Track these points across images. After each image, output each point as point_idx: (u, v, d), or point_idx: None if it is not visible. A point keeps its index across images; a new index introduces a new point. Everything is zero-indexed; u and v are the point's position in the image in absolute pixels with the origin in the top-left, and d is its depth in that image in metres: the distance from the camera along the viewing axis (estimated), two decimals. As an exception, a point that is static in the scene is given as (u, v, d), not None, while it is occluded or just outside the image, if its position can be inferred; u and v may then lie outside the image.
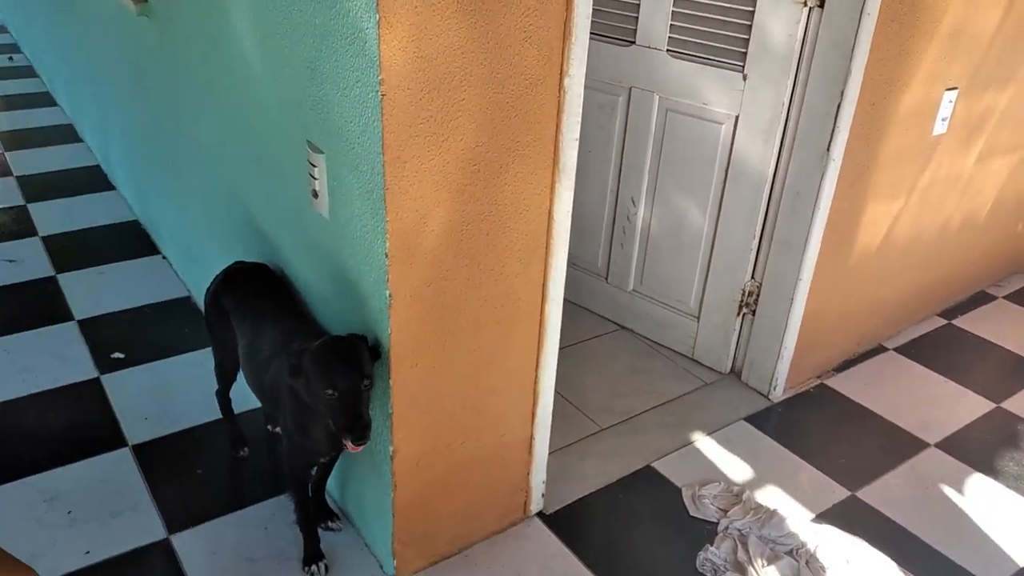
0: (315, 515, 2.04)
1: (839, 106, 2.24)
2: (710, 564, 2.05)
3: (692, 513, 2.21)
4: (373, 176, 1.46)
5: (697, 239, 2.67)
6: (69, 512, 2.10)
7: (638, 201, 2.78)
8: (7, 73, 5.83)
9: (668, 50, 2.53)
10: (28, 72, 5.81)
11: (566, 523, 2.14)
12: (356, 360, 1.60)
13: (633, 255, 2.86)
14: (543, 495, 2.16)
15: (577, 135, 1.65)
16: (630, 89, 2.67)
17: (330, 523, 2.07)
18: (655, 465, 2.37)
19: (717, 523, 2.17)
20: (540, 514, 2.17)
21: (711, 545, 2.10)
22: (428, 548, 1.97)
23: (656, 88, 2.60)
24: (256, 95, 1.91)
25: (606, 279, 2.99)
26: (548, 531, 2.12)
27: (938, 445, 2.53)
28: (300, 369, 1.64)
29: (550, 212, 1.72)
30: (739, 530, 2.14)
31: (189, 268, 3.07)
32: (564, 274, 1.83)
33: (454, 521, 1.99)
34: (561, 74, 1.58)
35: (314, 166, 1.65)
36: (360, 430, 1.56)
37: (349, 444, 1.58)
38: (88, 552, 1.98)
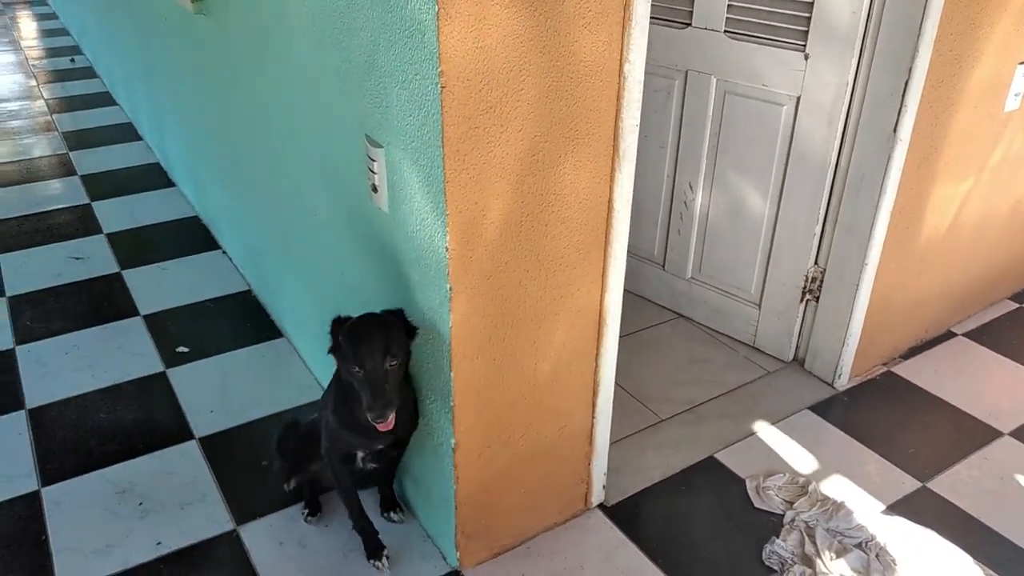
0: (383, 505, 2.08)
1: (906, 84, 2.17)
2: (777, 557, 2.01)
3: (756, 505, 2.17)
4: (433, 169, 1.46)
5: (757, 224, 2.61)
6: (140, 504, 2.15)
7: (695, 186, 2.72)
8: (69, 74, 6.00)
9: (726, 31, 2.47)
10: (89, 73, 5.96)
11: (628, 515, 2.12)
12: (382, 338, 1.62)
13: (691, 241, 2.82)
14: (604, 487, 2.14)
15: (637, 121, 1.62)
16: (686, 72, 2.62)
17: (392, 514, 2.08)
18: (718, 456, 2.33)
19: (782, 515, 2.13)
20: (601, 506, 2.15)
21: (777, 537, 2.06)
22: (491, 540, 1.97)
23: (713, 70, 2.54)
24: (314, 90, 1.92)
25: (663, 266, 2.95)
26: (610, 523, 2.10)
27: (1012, 434, 2.44)
28: (338, 345, 1.68)
29: (610, 201, 1.69)
30: (806, 522, 2.10)
31: (249, 263, 3.12)
32: (624, 263, 1.80)
33: (516, 513, 1.98)
34: (621, 60, 1.55)
35: (373, 160, 1.65)
36: (379, 408, 1.59)
37: (376, 424, 1.61)
38: (159, 543, 2.03)
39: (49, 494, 2.19)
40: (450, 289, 1.56)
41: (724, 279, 2.79)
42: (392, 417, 1.62)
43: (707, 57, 2.54)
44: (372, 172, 1.68)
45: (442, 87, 1.35)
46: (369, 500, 2.07)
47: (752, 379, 2.66)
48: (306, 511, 2.10)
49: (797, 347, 2.70)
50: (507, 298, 1.65)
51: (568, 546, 2.03)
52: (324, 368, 2.52)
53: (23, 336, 2.87)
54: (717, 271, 2.79)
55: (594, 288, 1.79)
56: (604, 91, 1.56)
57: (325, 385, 2.54)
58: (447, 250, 1.51)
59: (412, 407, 1.88)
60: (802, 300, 2.60)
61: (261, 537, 2.05)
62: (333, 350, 1.70)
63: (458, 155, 1.42)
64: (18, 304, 3.06)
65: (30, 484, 2.22)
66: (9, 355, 2.76)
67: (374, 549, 1.97)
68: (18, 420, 2.46)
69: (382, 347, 1.61)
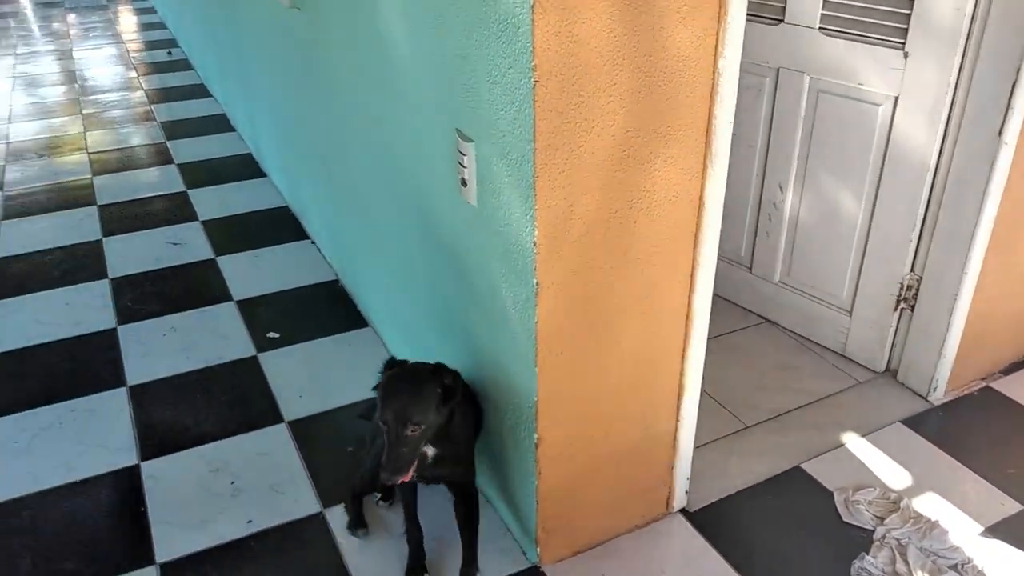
0: (463, 562, 1.95)
1: (1014, 85, 2.05)
2: (866, 573, 1.94)
3: (845, 519, 2.10)
4: (523, 164, 1.46)
5: (851, 228, 2.52)
6: (232, 482, 2.23)
7: (785, 188, 2.65)
8: (166, 67, 6.26)
9: (820, 28, 2.40)
10: (185, 65, 6.21)
11: (710, 521, 2.08)
12: (409, 403, 1.67)
13: (780, 244, 2.74)
14: (687, 492, 2.11)
15: (731, 118, 1.59)
16: (778, 70, 2.55)
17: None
18: (804, 466, 2.26)
19: (872, 531, 2.05)
20: (683, 511, 2.12)
21: (867, 554, 1.99)
22: (571, 538, 1.97)
23: (806, 68, 2.47)
24: (405, 84, 1.95)
25: (750, 269, 2.88)
26: (692, 528, 2.07)
27: (1125, 457, 2.30)
28: (377, 387, 1.76)
29: (700, 199, 1.66)
30: (897, 539, 2.02)
31: (337, 253, 3.19)
32: (714, 264, 1.77)
33: (597, 512, 1.97)
34: (715, 55, 1.52)
35: (463, 154, 1.67)
36: (389, 470, 1.64)
37: (387, 481, 1.67)
38: (250, 521, 2.11)
39: (147, 468, 2.29)
40: (537, 284, 1.56)
41: (814, 284, 2.71)
42: (406, 475, 1.67)
43: (800, 54, 2.47)
44: (462, 166, 1.70)
45: (535, 81, 1.35)
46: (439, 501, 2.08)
47: (841, 389, 2.58)
48: (379, 496, 2.14)
49: (890, 357, 2.60)
50: (593, 295, 1.64)
51: (649, 549, 2.01)
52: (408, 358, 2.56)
53: (124, 316, 3.01)
54: (807, 275, 2.72)
55: (682, 288, 1.76)
56: (698, 87, 1.53)
57: (408, 375, 2.58)
58: (535, 245, 1.52)
59: (463, 454, 1.91)
60: (896, 308, 2.50)
61: (346, 521, 2.10)
62: (375, 387, 1.77)
63: (549, 150, 1.42)
64: (120, 286, 3.22)
65: (130, 458, 2.33)
66: (112, 334, 2.90)
67: (412, 568, 1.92)
68: (120, 396, 2.58)
69: (406, 413, 1.65)
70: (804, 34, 2.44)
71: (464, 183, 1.71)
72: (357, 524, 2.05)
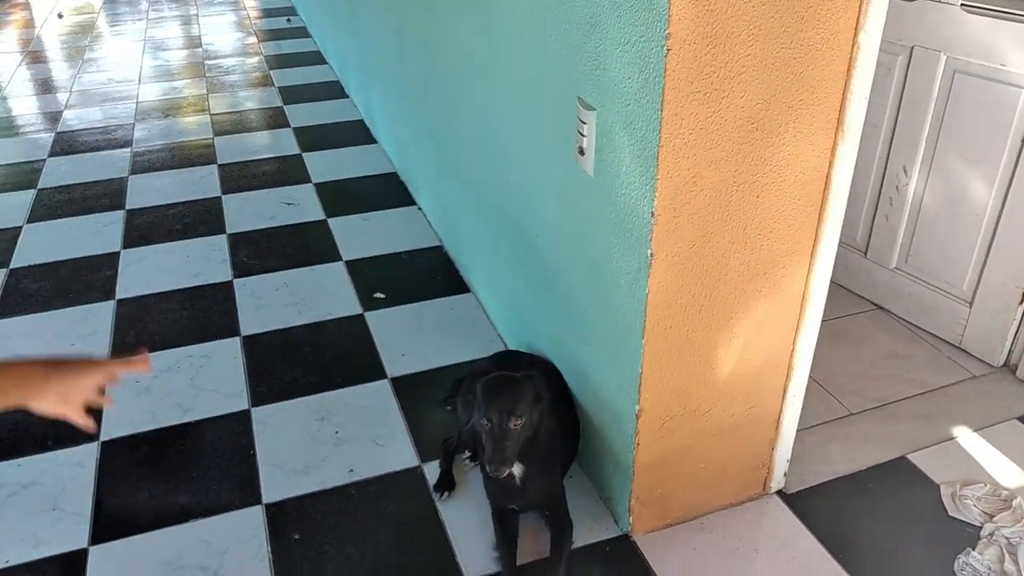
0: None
1: None
2: (971, 569, 1.88)
3: (951, 513, 2.03)
4: (648, 133, 1.45)
5: (979, 216, 2.40)
6: (336, 432, 2.32)
7: (910, 171, 2.55)
8: (285, 34, 6.44)
9: (962, 4, 2.27)
10: (302, 33, 6.38)
11: (808, 505, 2.05)
12: (512, 397, 1.79)
13: (899, 229, 2.64)
14: (785, 473, 2.08)
15: (867, 94, 1.54)
16: (911, 48, 2.44)
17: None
18: (911, 457, 2.20)
19: (980, 527, 1.98)
20: (780, 492, 2.09)
21: (973, 550, 1.92)
22: (664, 510, 1.97)
23: (943, 47, 2.35)
24: (526, 51, 1.95)
25: (865, 254, 2.79)
26: (788, 510, 2.04)
27: None
28: (472, 393, 1.85)
29: (828, 176, 1.62)
30: (1007, 538, 1.94)
31: (442, 219, 3.25)
32: (835, 245, 1.73)
33: (692, 487, 1.97)
34: (856, 28, 1.47)
35: (583, 123, 1.67)
36: (496, 462, 1.73)
37: (489, 471, 1.75)
38: (351, 470, 2.19)
39: (257, 414, 2.40)
40: (651, 255, 1.56)
41: (933, 272, 2.60)
42: (509, 471, 1.75)
43: (937, 32, 2.36)
44: (581, 135, 1.70)
45: (668, 49, 1.34)
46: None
47: (955, 381, 2.48)
48: (467, 454, 2.19)
49: (1010, 352, 2.48)
50: (708, 269, 1.63)
51: (742, 527, 2.00)
52: (507, 326, 2.60)
53: (240, 271, 3.15)
54: (926, 263, 2.61)
55: (800, 268, 1.72)
56: (834, 61, 1.49)
57: (508, 342, 2.62)
58: (652, 215, 1.51)
59: (552, 477, 1.94)
60: (1022, 302, 2.38)
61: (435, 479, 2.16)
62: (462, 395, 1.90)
63: (676, 119, 1.41)
64: (236, 241, 3.36)
65: (242, 403, 2.45)
66: (228, 286, 3.05)
67: None
68: (234, 345, 2.71)
69: (509, 407, 1.77)
70: (944, 11, 2.32)
71: (582, 152, 1.72)
72: (443, 484, 2.11)
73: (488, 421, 1.77)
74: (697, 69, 1.38)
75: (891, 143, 2.58)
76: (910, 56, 2.45)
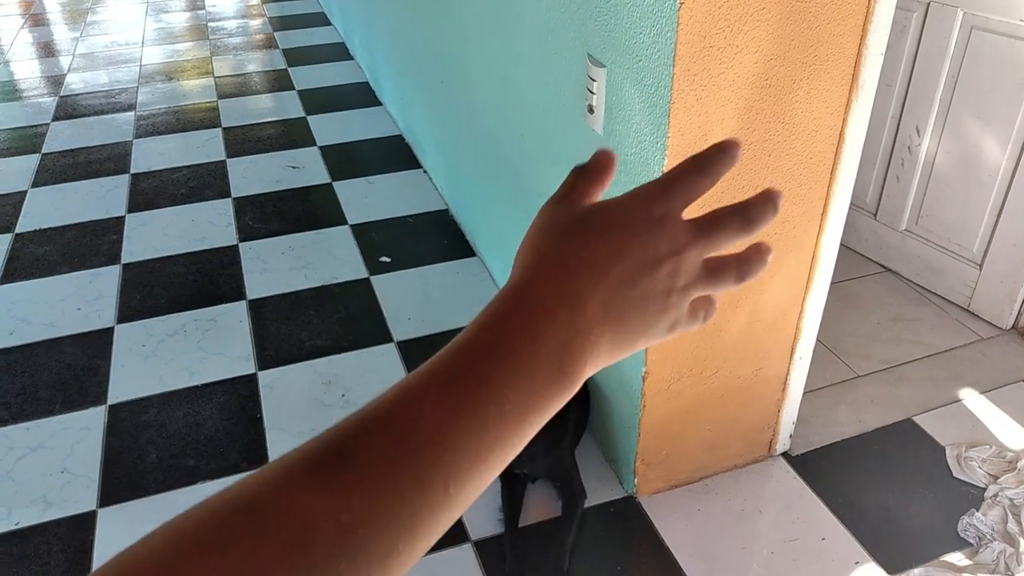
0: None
1: None
2: (974, 530, 1.88)
3: (955, 474, 2.03)
4: (659, 90, 1.42)
5: (991, 177, 2.37)
6: (343, 395, 2.33)
7: (923, 131, 2.51)
8: (289, -4, 6.35)
9: (980, -41, 2.23)
10: (307, -6, 6.29)
11: (813, 466, 2.05)
12: None
13: (910, 191, 2.61)
14: (791, 435, 2.08)
15: (883, 49, 1.50)
16: (927, 4, 2.39)
17: None
18: (917, 419, 2.19)
19: (984, 488, 1.99)
20: (785, 455, 2.09)
21: (977, 511, 1.93)
22: (669, 472, 1.98)
23: (961, 3, 2.30)
24: (533, 7, 1.92)
25: (874, 215, 2.76)
26: (793, 472, 2.04)
27: None
28: None
29: (841, 134, 1.59)
30: (1011, 499, 1.95)
31: (448, 183, 3.22)
32: (847, 205, 1.70)
33: (698, 449, 1.97)
34: (872, -19, 1.44)
35: (593, 80, 1.64)
36: None
37: None
38: (359, 432, 2.19)
39: (264, 378, 2.41)
40: (660, 215, 1.54)
41: (943, 234, 2.57)
42: None
43: (955, -12, 2.31)
44: (591, 92, 1.67)
45: (681, 3, 1.31)
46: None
47: (962, 344, 2.47)
48: None
49: (1019, 315, 2.47)
50: (718, 229, 1.61)
51: (747, 489, 2.00)
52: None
53: (245, 234, 3.13)
54: (936, 225, 2.58)
55: (811, 227, 1.70)
56: (850, 15, 1.45)
57: (515, 305, 2.61)
58: (663, 173, 1.48)
59: (558, 448, 1.92)
60: (1034, 264, 2.36)
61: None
62: None
63: (688, 75, 1.38)
64: (241, 205, 3.34)
65: (249, 367, 2.45)
66: (233, 250, 3.04)
67: (511, 574, 1.84)
68: (240, 309, 2.71)
69: None
70: (959, -35, 2.27)
71: (591, 110, 1.69)
72: None
73: None
74: (710, 24, 1.35)
75: (904, 102, 2.54)
76: (926, 12, 2.40)
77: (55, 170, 3.69)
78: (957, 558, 1.83)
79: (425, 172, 3.52)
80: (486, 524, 1.92)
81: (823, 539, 1.87)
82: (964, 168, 2.44)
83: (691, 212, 0.48)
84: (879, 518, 1.92)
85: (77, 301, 2.78)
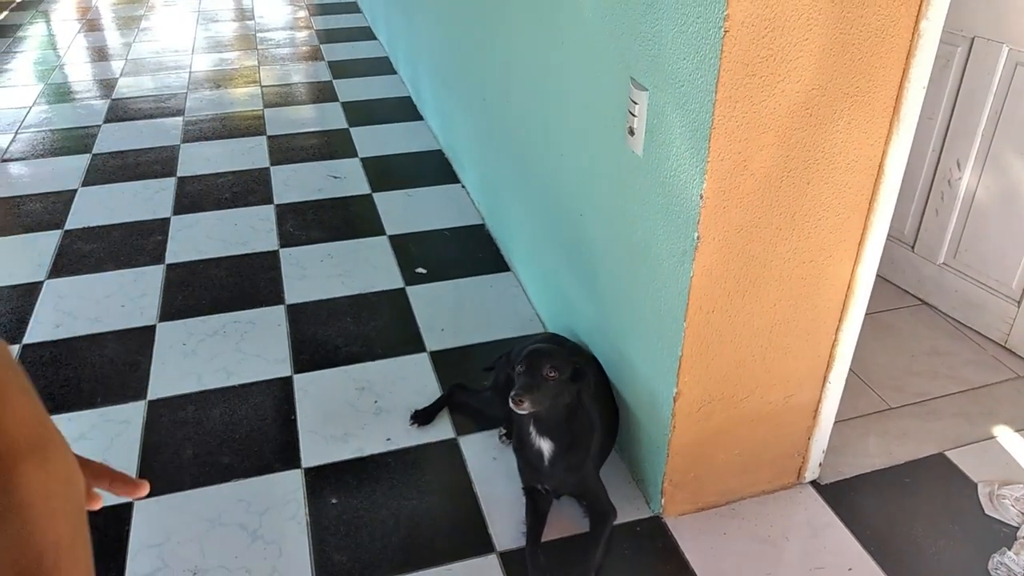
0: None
1: None
2: (1005, 569, 1.86)
3: (987, 512, 2.01)
4: (701, 115, 1.45)
5: (1033, 214, 2.36)
6: (375, 401, 2.36)
7: (963, 165, 2.50)
8: (335, 8, 6.48)
9: (1028, -4, 2.23)
10: (353, 8, 6.41)
11: (842, 496, 2.05)
12: (551, 352, 1.83)
13: (949, 225, 2.60)
14: (820, 464, 2.07)
15: (925, 84, 1.52)
16: (972, 39, 2.39)
17: None
18: (949, 454, 2.18)
19: (1017, 528, 1.96)
20: (814, 483, 2.09)
21: (1009, 550, 1.90)
22: (697, 494, 1.98)
23: (1007, 38, 2.30)
24: (576, 31, 1.96)
25: (912, 248, 2.75)
26: (821, 501, 2.04)
27: None
28: (509, 358, 1.89)
29: (881, 165, 1.60)
30: (1045, 540, 1.92)
31: (485, 198, 3.27)
32: (884, 236, 1.71)
33: (726, 473, 1.98)
34: (918, 16, 1.45)
35: (635, 103, 1.67)
36: (519, 390, 1.73)
37: (509, 401, 1.75)
38: (389, 439, 2.23)
39: (299, 381, 2.46)
40: (697, 238, 1.56)
41: (982, 269, 2.56)
42: (525, 404, 1.73)
43: (1001, 22, 2.30)
44: (632, 115, 1.70)
45: (725, 31, 1.33)
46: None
47: (999, 380, 2.44)
48: (503, 431, 2.22)
49: (1058, 354, 2.44)
50: (754, 255, 1.63)
51: (775, 515, 2.00)
52: (546, 305, 2.62)
53: (286, 241, 3.20)
54: (975, 259, 2.57)
55: (847, 257, 1.71)
56: (893, 49, 1.47)
57: (546, 322, 2.64)
58: (701, 198, 1.51)
59: (583, 468, 1.93)
60: (1074, 303, 2.34)
61: (478, 450, 2.19)
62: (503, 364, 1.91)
63: (729, 102, 1.41)
64: (283, 212, 3.42)
65: (285, 370, 2.50)
66: (274, 255, 3.10)
67: None
68: (278, 313, 2.77)
69: (547, 357, 1.80)
70: (1010, 1, 2.27)
71: (632, 132, 1.72)
72: (421, 415, 2.27)
73: (523, 366, 1.78)
74: (754, 52, 1.38)
75: (945, 136, 2.54)
76: (970, 47, 2.40)
77: (104, 171, 3.80)
78: (985, 596, 1.82)
79: (463, 187, 3.57)
80: (512, 536, 1.94)
81: (850, 569, 1.87)
82: (1005, 203, 2.43)
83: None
84: (908, 551, 1.91)
85: (121, 298, 2.85)
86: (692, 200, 1.54)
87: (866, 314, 1.86)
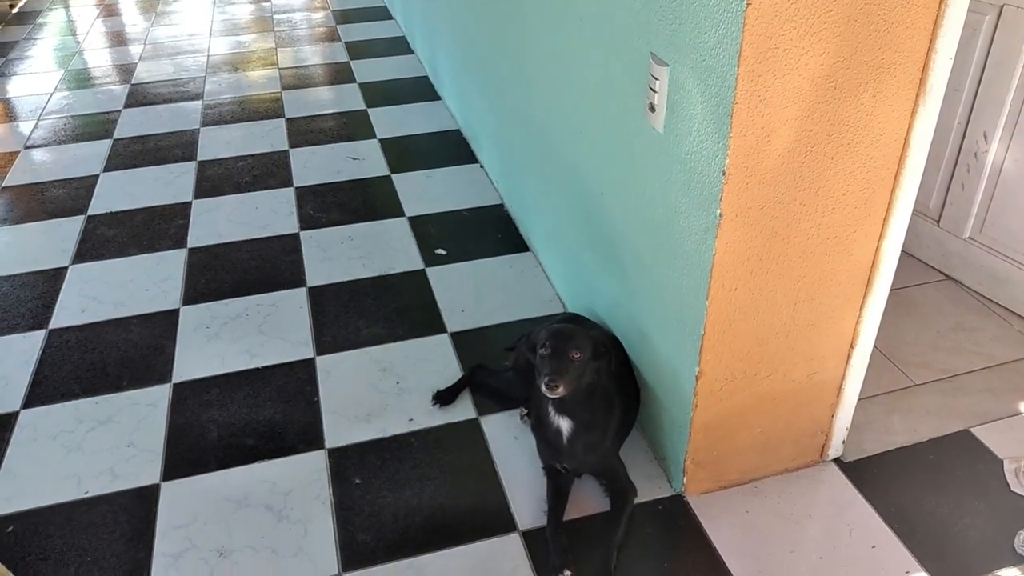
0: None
1: None
2: (1032, 546, 1.85)
3: (1013, 488, 1.99)
4: (722, 90, 1.43)
5: (1062, 186, 2.32)
6: (397, 383, 2.38)
7: (991, 137, 2.46)
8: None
9: (1058, -38, 2.17)
10: (369, -12, 6.38)
11: (865, 474, 2.03)
12: (574, 333, 1.83)
13: (976, 198, 2.56)
14: (844, 441, 2.06)
15: (952, 54, 1.48)
16: (1001, 7, 2.34)
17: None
18: (974, 431, 2.15)
19: (1045, 505, 1.95)
20: (837, 460, 2.08)
21: (1035, 527, 1.89)
22: (719, 472, 1.98)
23: (1036, 7, 2.25)
24: (596, 7, 1.93)
25: (937, 222, 2.71)
26: (844, 478, 2.03)
27: None
28: (529, 339, 1.88)
29: (907, 138, 1.57)
30: (1073, 517, 1.90)
31: (504, 178, 3.26)
32: (910, 211, 1.68)
33: (748, 451, 1.97)
34: (944, -16, 1.42)
35: (656, 79, 1.65)
36: (549, 375, 1.74)
37: (543, 387, 1.75)
38: (411, 420, 2.24)
39: (322, 362, 2.47)
40: (720, 215, 1.54)
41: (1008, 243, 2.51)
42: (560, 389, 1.73)
43: (1031, -9, 2.25)
44: (652, 91, 1.68)
45: (748, 3, 1.31)
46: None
47: (1025, 356, 2.42)
48: (524, 411, 2.22)
49: (1088, 329, 2.40)
50: (777, 231, 1.61)
51: (797, 493, 1.99)
52: (566, 285, 2.61)
53: (306, 223, 3.21)
54: (1001, 233, 2.52)
55: (872, 233, 1.69)
56: (920, 18, 1.44)
57: (567, 302, 2.63)
58: (724, 174, 1.49)
59: (601, 446, 1.93)
60: (1104, 277, 2.29)
61: (499, 430, 2.20)
62: (529, 347, 1.89)
63: (752, 75, 1.39)
64: (303, 194, 3.43)
65: (307, 352, 2.52)
66: (294, 238, 3.11)
67: (554, 566, 1.82)
68: (299, 295, 2.78)
69: (572, 338, 1.81)
70: (1036, -32, 2.22)
71: (652, 108, 1.70)
72: (442, 396, 2.29)
73: (548, 348, 1.78)
74: (777, 24, 1.35)
75: (972, 108, 2.49)
76: (999, 16, 2.35)
77: (126, 155, 3.83)
78: (1012, 573, 1.80)
79: (482, 167, 3.56)
80: (534, 515, 1.95)
81: (873, 547, 1.86)
82: (1033, 176, 2.38)
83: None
84: (932, 529, 1.89)
85: (145, 282, 2.88)
86: (714, 176, 1.53)
87: (892, 289, 1.84)
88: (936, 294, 2.67)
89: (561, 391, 1.74)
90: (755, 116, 1.43)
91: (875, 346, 1.95)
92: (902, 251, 1.77)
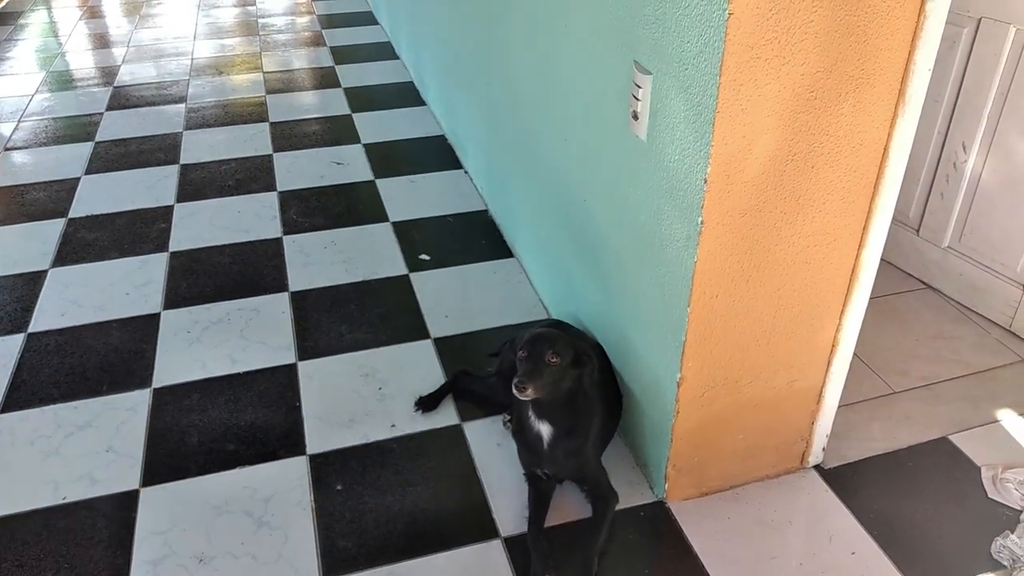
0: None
1: None
2: (1008, 552, 1.86)
3: (991, 495, 2.01)
4: (704, 99, 1.44)
5: (1039, 197, 2.35)
6: (380, 388, 2.37)
7: (969, 147, 2.49)
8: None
9: (1035, -24, 2.20)
10: (355, -6, 6.38)
11: (845, 481, 2.05)
12: (554, 337, 1.83)
13: (955, 208, 2.59)
14: (824, 448, 2.07)
15: (931, 65, 1.50)
16: (979, 20, 2.37)
17: None
18: (952, 438, 2.18)
19: (1020, 511, 1.97)
20: (818, 467, 2.09)
21: (1012, 533, 1.91)
22: (700, 479, 1.99)
23: (1014, 19, 2.28)
24: (579, 15, 1.94)
25: (917, 231, 2.74)
26: (824, 485, 2.04)
27: None
28: (514, 344, 1.88)
29: (886, 148, 1.59)
30: (1049, 523, 1.93)
31: (488, 184, 3.26)
32: (889, 219, 1.70)
33: (730, 457, 1.98)
34: (923, -3, 1.44)
35: (639, 87, 1.66)
36: (522, 377, 1.74)
37: (512, 388, 1.75)
38: (393, 425, 2.24)
39: (304, 368, 2.46)
40: (701, 223, 1.56)
41: (987, 252, 2.54)
42: (529, 391, 1.74)
43: (1009, 2, 2.28)
44: (635, 99, 1.69)
45: (729, 14, 1.32)
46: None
47: (1002, 364, 2.44)
48: (507, 417, 2.22)
49: (1064, 338, 2.44)
50: (759, 239, 1.62)
51: (778, 499, 2.00)
52: (550, 291, 2.61)
53: (289, 228, 3.20)
54: (980, 243, 2.56)
55: (851, 241, 1.71)
56: (899, 30, 1.46)
57: (550, 308, 2.64)
58: (705, 182, 1.50)
59: (583, 453, 1.93)
60: (1080, 286, 2.33)
61: (482, 436, 2.20)
62: (511, 348, 1.91)
63: (733, 85, 1.40)
64: (286, 199, 3.41)
65: (289, 357, 2.50)
66: (277, 243, 3.10)
67: (535, 573, 1.81)
68: (282, 300, 2.77)
69: (550, 342, 1.80)
70: (1014, -19, 2.25)
71: (635, 116, 1.71)
72: (425, 402, 2.28)
73: (525, 351, 1.79)
74: (759, 34, 1.37)
75: (951, 118, 2.52)
76: (977, 28, 2.38)
77: (107, 158, 3.80)
78: (989, 579, 1.82)
79: (466, 173, 3.56)
80: (516, 521, 1.95)
81: (853, 553, 1.87)
82: (1010, 186, 2.41)
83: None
84: (911, 535, 1.91)
85: (126, 286, 2.86)
86: (696, 185, 1.54)
87: (872, 298, 1.85)
88: (916, 302, 2.70)
89: (530, 393, 1.74)
90: (737, 125, 1.45)
91: (855, 354, 1.96)
92: (882, 260, 1.79)
